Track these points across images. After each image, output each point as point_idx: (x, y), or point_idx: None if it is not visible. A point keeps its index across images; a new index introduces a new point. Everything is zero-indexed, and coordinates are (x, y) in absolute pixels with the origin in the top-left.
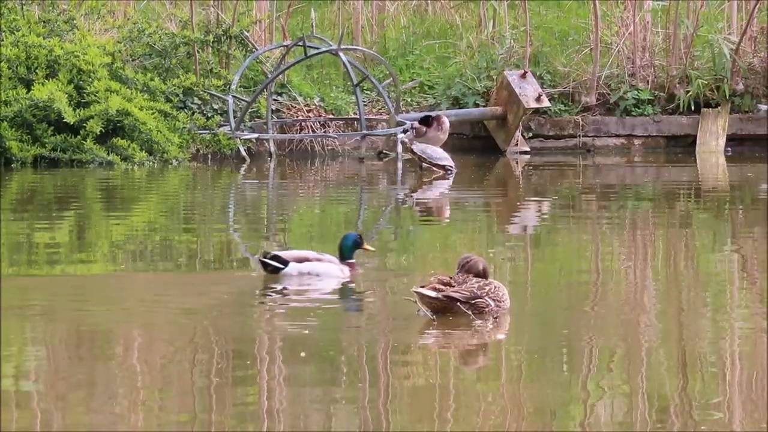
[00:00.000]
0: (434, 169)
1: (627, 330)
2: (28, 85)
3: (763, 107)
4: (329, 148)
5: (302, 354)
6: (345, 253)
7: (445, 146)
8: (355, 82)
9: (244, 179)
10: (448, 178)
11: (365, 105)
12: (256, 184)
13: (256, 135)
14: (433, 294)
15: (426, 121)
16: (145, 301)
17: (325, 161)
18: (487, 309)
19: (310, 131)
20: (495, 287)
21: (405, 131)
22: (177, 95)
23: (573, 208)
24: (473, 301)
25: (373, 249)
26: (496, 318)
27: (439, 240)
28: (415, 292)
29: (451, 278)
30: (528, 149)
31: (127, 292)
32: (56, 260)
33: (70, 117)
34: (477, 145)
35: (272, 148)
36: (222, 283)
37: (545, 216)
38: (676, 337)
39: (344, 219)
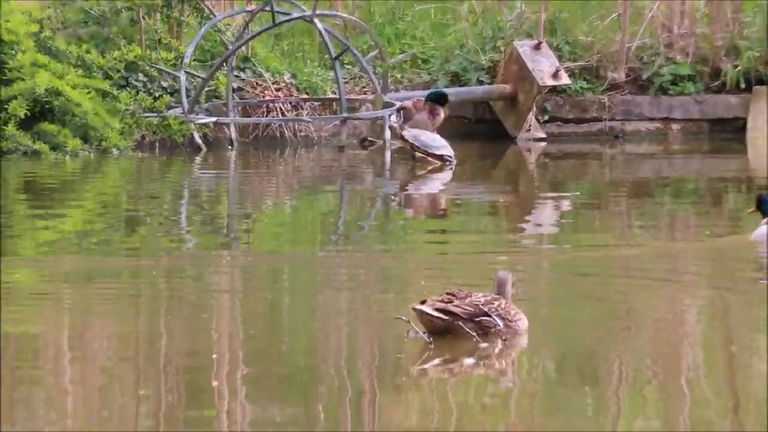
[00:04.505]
0: (430, 159)
1: (665, 356)
2: None
3: None
4: (302, 134)
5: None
6: None
7: (443, 132)
8: (334, 55)
9: (199, 172)
10: (446, 170)
11: (346, 83)
12: (213, 178)
13: (213, 119)
14: (435, 313)
15: (439, 100)
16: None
17: (297, 150)
18: (494, 329)
19: (280, 114)
20: (506, 303)
21: (398, 114)
22: (118, 71)
23: (598, 207)
24: (477, 320)
25: None
26: (505, 340)
27: (435, 247)
28: (414, 309)
29: (452, 294)
30: (543, 135)
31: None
32: None
33: None
34: (481, 130)
35: (233, 135)
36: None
37: (564, 217)
38: (722, 367)
39: (320, 220)
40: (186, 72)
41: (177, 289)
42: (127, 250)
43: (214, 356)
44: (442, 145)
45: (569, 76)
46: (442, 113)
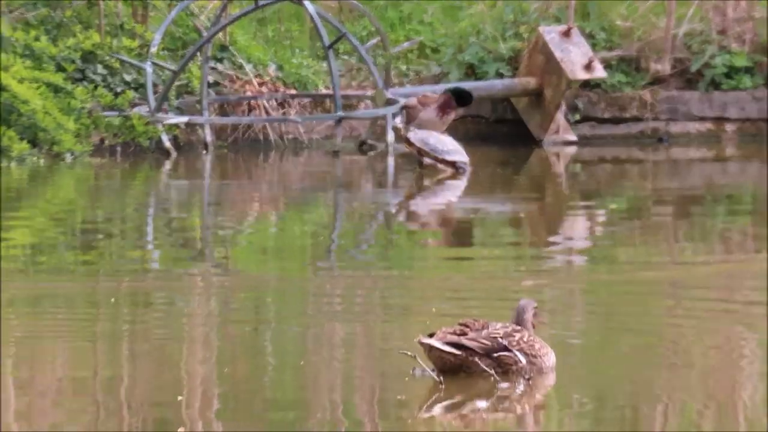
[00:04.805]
0: (440, 166)
1: (718, 402)
2: None
3: None
4: (290, 136)
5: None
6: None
7: (454, 133)
8: (327, 44)
9: (168, 181)
10: (459, 179)
11: (342, 76)
12: (185, 188)
13: (185, 118)
14: (447, 347)
15: (460, 99)
16: None
17: (284, 155)
18: (515, 367)
19: (263, 113)
20: (529, 336)
21: (403, 113)
22: (73, 62)
23: (639, 221)
24: (496, 355)
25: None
26: (528, 380)
27: (446, 268)
28: (422, 343)
29: (465, 324)
30: (574, 138)
31: None
32: None
33: None
34: (501, 132)
35: (208, 137)
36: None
37: (599, 234)
38: None
39: (311, 237)
40: (153, 63)
41: (141, 317)
42: (83, 272)
43: (180, 398)
44: (454, 150)
45: (605, 67)
46: (453, 111)
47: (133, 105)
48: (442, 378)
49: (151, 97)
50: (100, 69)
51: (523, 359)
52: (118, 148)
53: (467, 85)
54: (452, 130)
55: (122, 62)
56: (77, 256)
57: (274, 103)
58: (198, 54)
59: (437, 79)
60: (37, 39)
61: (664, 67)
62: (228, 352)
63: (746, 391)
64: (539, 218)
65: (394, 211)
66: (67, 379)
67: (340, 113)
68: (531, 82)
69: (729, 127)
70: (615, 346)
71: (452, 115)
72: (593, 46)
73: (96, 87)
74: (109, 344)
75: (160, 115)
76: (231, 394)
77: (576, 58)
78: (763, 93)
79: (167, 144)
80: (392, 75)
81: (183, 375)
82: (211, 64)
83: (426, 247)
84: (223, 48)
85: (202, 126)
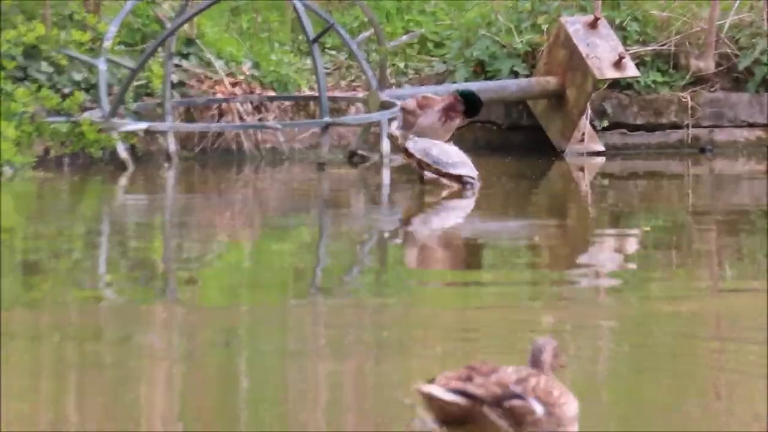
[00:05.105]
0: (444, 181)
1: None
2: None
3: None
4: (268, 146)
5: None
6: None
7: (461, 142)
8: (312, 37)
9: (125, 198)
10: (467, 197)
11: (329, 75)
12: (144, 207)
13: (145, 125)
14: (450, 396)
15: (471, 101)
16: None
17: (260, 168)
18: (530, 418)
19: (236, 119)
20: (546, 381)
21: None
22: (13, 58)
23: (677, 246)
24: (507, 404)
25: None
26: None
27: (450, 301)
28: (421, 391)
29: (472, 368)
30: (602, 148)
31: None
32: None
33: None
34: (515, 141)
35: (172, 147)
36: None
37: (631, 260)
38: None
39: (292, 263)
40: (107, 60)
41: (92, 356)
42: (24, 304)
43: None
44: (460, 162)
45: (637, 65)
46: (459, 117)
47: (84, 109)
48: (445, 430)
49: (105, 100)
50: (44, 66)
51: (539, 409)
52: (66, 160)
53: (475, 86)
54: (458, 139)
55: (71, 58)
56: (17, 286)
57: (250, 107)
58: (160, 49)
59: (441, 79)
60: None
61: (707, 65)
62: (193, 398)
63: None
64: (560, 243)
65: (389, 234)
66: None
67: (327, 119)
68: (551, 81)
69: None
70: (648, 394)
71: (457, 121)
72: (624, 39)
73: (40, 87)
74: (54, 384)
75: (115, 120)
76: None
77: (604, 53)
78: None
79: (123, 155)
80: (388, 74)
81: (141, 419)
82: (176, 60)
83: (426, 276)
84: (190, 42)
85: (164, 134)
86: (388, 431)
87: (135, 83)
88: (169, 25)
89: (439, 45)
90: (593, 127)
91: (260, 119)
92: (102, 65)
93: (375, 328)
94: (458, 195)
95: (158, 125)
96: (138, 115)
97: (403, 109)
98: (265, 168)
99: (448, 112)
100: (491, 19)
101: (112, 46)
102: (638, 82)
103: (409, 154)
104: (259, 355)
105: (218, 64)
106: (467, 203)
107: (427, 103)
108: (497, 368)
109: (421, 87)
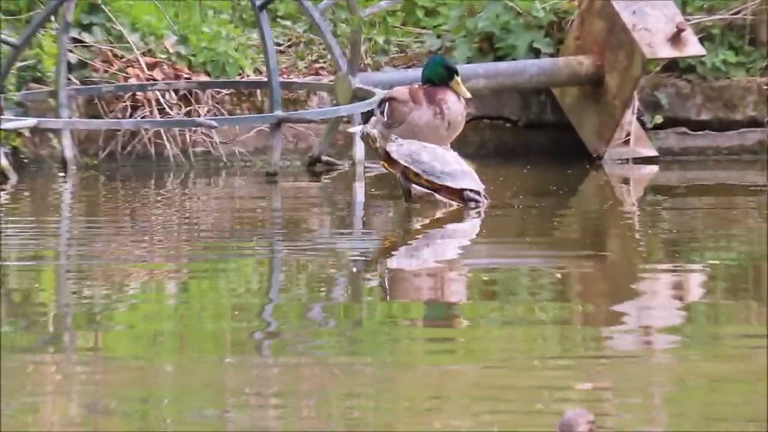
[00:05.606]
0: (438, 197)
1: None
2: None
3: None
4: (199, 150)
5: None
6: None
7: (464, 145)
8: (259, 2)
9: (3, 220)
10: (469, 219)
11: (281, 53)
12: (32, 231)
13: (32, 121)
14: None
15: (440, 78)
16: None
17: (188, 180)
18: None
19: (156, 112)
20: None
21: (381, 111)
22: None
23: (752, 285)
24: None
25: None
26: None
27: (444, 358)
28: None
29: None
30: (654, 153)
31: None
32: None
33: None
34: (536, 142)
35: (68, 151)
36: None
37: (691, 302)
38: None
39: (231, 307)
40: None
41: None
42: None
43: None
44: (461, 172)
45: (702, 40)
46: (456, 102)
47: None
48: None
49: None
50: None
51: None
52: None
53: (481, 68)
54: (460, 141)
55: None
56: None
57: (174, 97)
58: (52, 19)
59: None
60: None
61: None
62: None
63: None
64: (598, 281)
65: (363, 269)
66: None
67: (279, 113)
68: (584, 63)
69: None
70: None
71: (457, 112)
72: (683, 6)
73: None
74: None
75: None
76: None
77: (657, 25)
78: None
79: (3, 162)
80: (363, 52)
81: None
82: (74, 34)
83: (417, 327)
84: (93, 8)
85: (58, 133)
86: None
87: (18, 64)
88: None
89: (432, 13)
90: (642, 124)
91: (188, 114)
92: None
93: (347, 398)
94: (458, 216)
95: (50, 121)
96: (23, 108)
97: (391, 100)
98: (196, 180)
99: (432, 97)
100: None
101: None
102: (703, 63)
103: (391, 161)
104: (186, 421)
105: (132, 39)
106: (470, 228)
107: (421, 94)
108: None
109: (408, 70)
